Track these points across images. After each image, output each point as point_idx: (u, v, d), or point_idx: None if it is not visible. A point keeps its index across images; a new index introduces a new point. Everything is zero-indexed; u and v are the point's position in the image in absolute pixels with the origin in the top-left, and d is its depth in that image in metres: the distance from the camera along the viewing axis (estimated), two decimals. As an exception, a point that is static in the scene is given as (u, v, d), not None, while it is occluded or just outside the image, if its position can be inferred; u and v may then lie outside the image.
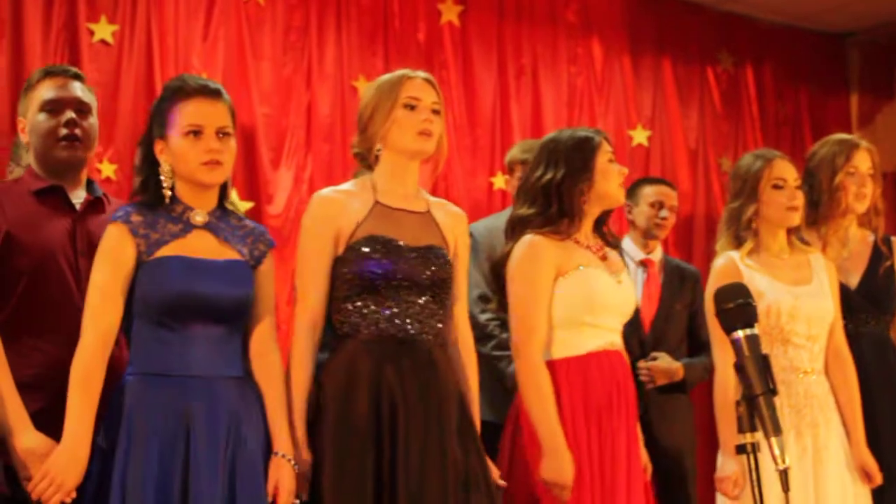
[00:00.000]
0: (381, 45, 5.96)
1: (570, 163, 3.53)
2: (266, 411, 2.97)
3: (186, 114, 2.91)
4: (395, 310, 3.12)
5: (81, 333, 2.82)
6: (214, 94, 2.96)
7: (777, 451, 2.50)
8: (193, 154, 2.91)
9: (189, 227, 2.94)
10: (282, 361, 3.77)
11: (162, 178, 2.96)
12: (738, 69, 7.25)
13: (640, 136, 6.74)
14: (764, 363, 2.55)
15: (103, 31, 5.15)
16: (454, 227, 3.34)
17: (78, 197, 3.31)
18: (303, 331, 3.13)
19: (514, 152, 4.75)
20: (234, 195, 5.37)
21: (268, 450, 2.94)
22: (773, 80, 7.40)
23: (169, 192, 2.96)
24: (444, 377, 3.15)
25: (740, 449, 2.52)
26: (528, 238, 3.50)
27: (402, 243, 3.15)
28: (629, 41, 6.81)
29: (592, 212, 3.58)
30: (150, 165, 2.97)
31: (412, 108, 3.21)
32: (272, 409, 2.97)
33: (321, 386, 3.11)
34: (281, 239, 5.52)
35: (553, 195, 3.53)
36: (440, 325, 3.21)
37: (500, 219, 4.53)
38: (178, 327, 2.86)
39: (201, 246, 2.93)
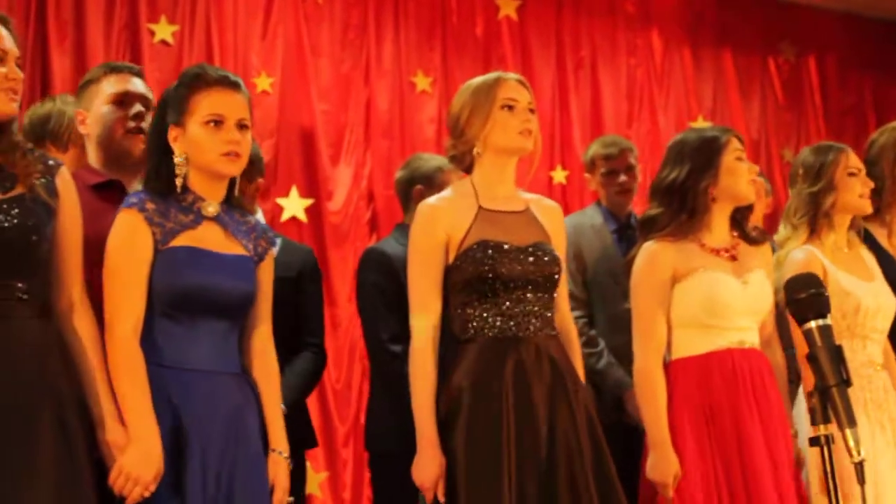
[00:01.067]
0: (439, 40, 5.96)
1: (695, 161, 3.57)
2: (264, 409, 2.92)
3: (208, 103, 2.86)
4: (513, 310, 3.16)
5: (109, 325, 2.78)
6: (235, 85, 2.92)
7: (852, 444, 2.44)
8: (213, 144, 2.85)
9: (200, 218, 2.89)
10: (314, 360, 3.80)
11: (175, 166, 2.92)
12: (799, 59, 7.16)
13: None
14: (837, 354, 2.49)
15: (163, 31, 5.20)
16: (552, 220, 3.36)
17: (134, 190, 3.34)
18: (426, 338, 3.17)
19: (596, 148, 4.68)
20: (293, 191, 5.42)
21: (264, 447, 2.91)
22: (835, 70, 7.31)
23: (181, 181, 2.92)
24: (565, 372, 3.19)
25: (814, 441, 2.47)
26: (646, 245, 3.57)
27: (511, 245, 3.18)
28: (689, 32, 6.75)
29: (722, 210, 3.60)
30: (162, 152, 2.92)
31: (511, 108, 3.25)
32: (270, 407, 2.93)
33: (448, 390, 3.13)
34: (340, 235, 5.55)
35: (677, 194, 3.57)
36: (552, 320, 3.25)
37: (584, 216, 4.51)
38: (184, 319, 2.83)
39: (211, 238, 2.88)
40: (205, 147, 2.86)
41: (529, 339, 3.16)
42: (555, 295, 3.27)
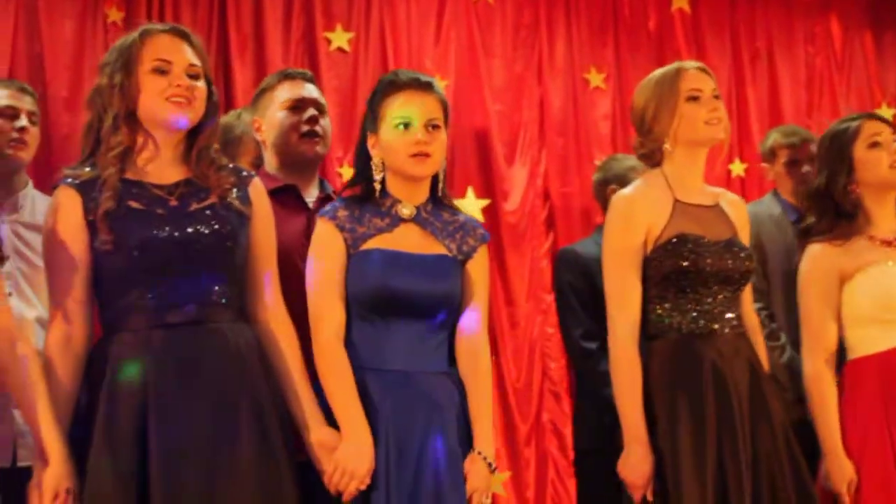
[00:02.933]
0: (612, 36, 5.91)
1: (829, 162, 3.51)
2: (469, 408, 2.93)
3: (396, 106, 2.91)
4: (709, 306, 3.14)
5: (315, 331, 2.85)
6: (425, 86, 2.95)
7: None
8: (402, 146, 2.90)
9: (396, 220, 2.93)
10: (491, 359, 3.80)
11: (373, 171, 2.96)
12: None
13: (885, 114, 6.43)
14: None
15: (339, 39, 5.30)
16: (738, 215, 3.33)
17: (311, 195, 3.42)
18: (628, 333, 3.14)
19: (776, 136, 4.58)
20: (469, 192, 5.46)
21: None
22: None
23: (378, 186, 2.96)
24: (762, 379, 3.18)
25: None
26: (810, 249, 3.50)
27: (708, 239, 3.15)
28: (870, 16, 6.54)
29: (878, 200, 3.51)
30: (364, 159, 2.98)
31: (696, 99, 3.20)
32: (476, 407, 2.92)
33: (648, 386, 3.12)
34: (517, 235, 5.56)
35: (825, 199, 3.51)
36: (741, 316, 3.24)
37: (761, 206, 4.43)
38: (378, 321, 2.87)
39: (407, 240, 2.93)
40: (395, 150, 2.91)
41: (724, 336, 3.12)
42: (745, 291, 3.23)
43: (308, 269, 2.92)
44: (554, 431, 5.44)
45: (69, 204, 2.72)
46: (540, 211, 5.64)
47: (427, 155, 2.90)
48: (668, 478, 3.02)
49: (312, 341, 2.86)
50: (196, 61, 2.80)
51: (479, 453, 2.88)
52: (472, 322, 2.98)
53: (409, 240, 2.93)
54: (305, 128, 3.36)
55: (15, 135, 3.50)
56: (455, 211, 3.06)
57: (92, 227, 2.70)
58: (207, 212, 2.75)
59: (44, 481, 2.57)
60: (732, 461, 3.01)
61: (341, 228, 2.90)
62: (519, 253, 5.56)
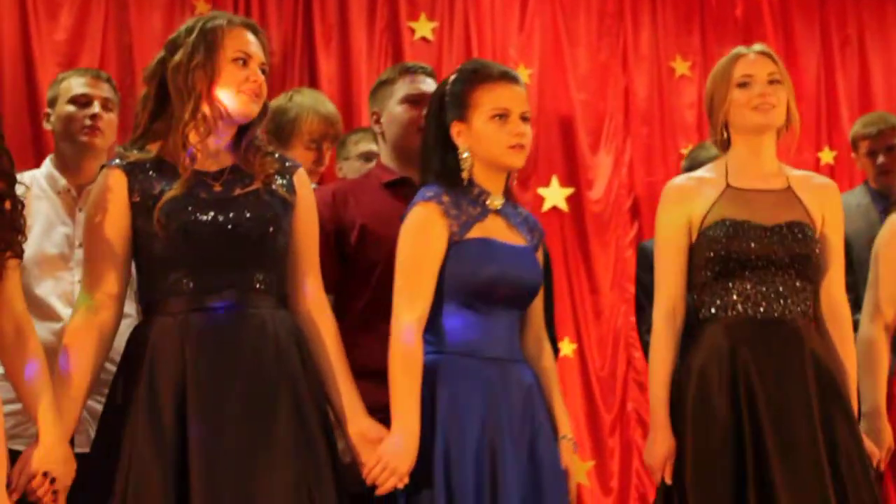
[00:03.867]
0: (698, 23, 5.87)
1: None
2: (546, 395, 2.93)
3: (492, 97, 2.88)
4: (755, 291, 3.08)
5: (396, 314, 2.81)
6: (516, 79, 2.94)
7: None
8: (501, 137, 2.86)
9: (486, 211, 2.90)
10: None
11: (461, 161, 2.97)
12: None
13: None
14: None
15: (423, 28, 5.33)
16: (822, 198, 3.23)
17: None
18: (662, 319, 3.13)
19: (857, 127, 4.54)
20: (554, 181, 5.45)
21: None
22: None
23: (467, 175, 2.96)
24: (809, 358, 3.07)
25: None
26: (889, 219, 3.47)
27: (753, 223, 3.10)
28: (964, 1, 6.41)
29: None
30: (444, 148, 2.93)
31: (745, 85, 3.14)
32: (552, 392, 2.95)
33: (681, 373, 3.10)
34: (601, 224, 5.55)
35: None
36: (807, 304, 3.14)
37: (851, 196, 4.37)
38: (482, 309, 2.85)
39: (497, 230, 2.90)
40: (492, 141, 2.88)
41: (771, 323, 3.06)
42: (814, 278, 3.15)
43: (402, 249, 2.87)
44: (639, 421, 5.43)
45: (114, 185, 2.70)
46: (625, 200, 5.62)
47: (524, 147, 2.89)
48: (684, 464, 2.99)
49: (392, 323, 2.82)
50: (266, 59, 2.83)
51: (570, 438, 2.93)
52: (538, 311, 3.02)
53: (500, 230, 2.91)
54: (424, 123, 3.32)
55: (87, 122, 3.54)
56: (517, 203, 3.07)
57: (136, 208, 2.70)
58: (251, 197, 2.73)
59: (30, 462, 2.54)
60: (752, 450, 2.96)
61: (447, 214, 2.86)
62: (603, 242, 5.55)
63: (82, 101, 3.55)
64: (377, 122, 3.42)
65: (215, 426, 2.58)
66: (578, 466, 4.91)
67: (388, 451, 2.71)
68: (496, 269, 2.84)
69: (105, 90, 3.61)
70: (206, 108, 2.73)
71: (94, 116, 3.52)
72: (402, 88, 3.38)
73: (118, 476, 2.57)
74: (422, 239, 2.86)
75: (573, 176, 5.55)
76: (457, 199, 2.88)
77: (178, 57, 2.74)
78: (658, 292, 3.16)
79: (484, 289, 2.84)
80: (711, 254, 3.08)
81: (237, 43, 2.76)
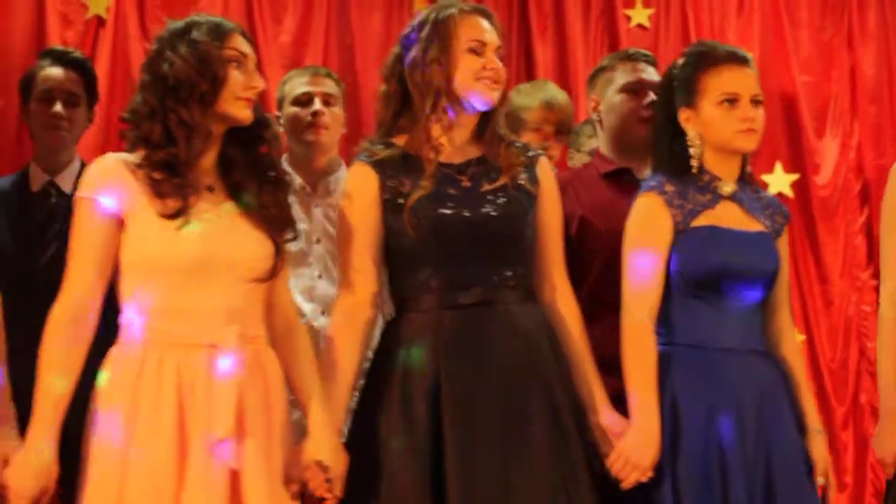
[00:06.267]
0: (927, -4, 5.62)
1: None
2: (795, 387, 2.87)
3: (720, 82, 2.84)
4: None
5: (630, 307, 2.81)
6: (745, 60, 2.88)
7: None
8: (730, 122, 2.82)
9: (717, 197, 2.86)
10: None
11: (690, 148, 2.90)
12: None
13: None
14: None
15: (640, 15, 5.29)
16: None
17: (645, 177, 3.37)
18: (889, 304, 3.05)
19: None
20: (778, 167, 5.32)
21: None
22: None
23: (697, 162, 2.89)
24: None
25: None
26: None
27: None
28: None
29: None
30: (672, 134, 2.91)
31: None
32: (800, 384, 2.88)
33: None
34: (829, 210, 5.40)
35: None
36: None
37: None
38: (712, 299, 2.80)
39: (730, 217, 2.85)
40: (721, 126, 2.84)
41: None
42: None
43: (629, 242, 2.87)
44: (873, 413, 5.23)
45: (364, 182, 2.75)
46: (853, 184, 5.45)
47: (754, 131, 2.84)
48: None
49: (622, 317, 2.81)
50: (501, 43, 2.83)
51: (819, 431, 2.88)
52: (783, 301, 2.95)
53: (733, 217, 2.87)
54: (645, 113, 3.25)
55: (309, 118, 3.63)
56: (757, 188, 3.01)
57: (386, 205, 2.73)
58: (499, 193, 2.74)
59: (303, 453, 2.58)
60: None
61: (670, 204, 2.84)
62: (831, 229, 5.40)
63: (304, 100, 3.66)
64: (595, 109, 3.38)
65: (471, 428, 2.60)
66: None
67: (631, 445, 2.70)
68: (720, 258, 2.80)
69: (326, 85, 3.70)
70: (446, 101, 2.75)
71: (315, 114, 3.62)
72: (621, 76, 3.32)
73: (372, 467, 2.62)
74: (646, 231, 2.85)
75: (798, 161, 5.40)
76: (683, 188, 2.84)
77: (413, 53, 2.78)
78: (884, 278, 3.07)
79: (709, 278, 2.80)
80: None
81: (471, 32, 2.76)
